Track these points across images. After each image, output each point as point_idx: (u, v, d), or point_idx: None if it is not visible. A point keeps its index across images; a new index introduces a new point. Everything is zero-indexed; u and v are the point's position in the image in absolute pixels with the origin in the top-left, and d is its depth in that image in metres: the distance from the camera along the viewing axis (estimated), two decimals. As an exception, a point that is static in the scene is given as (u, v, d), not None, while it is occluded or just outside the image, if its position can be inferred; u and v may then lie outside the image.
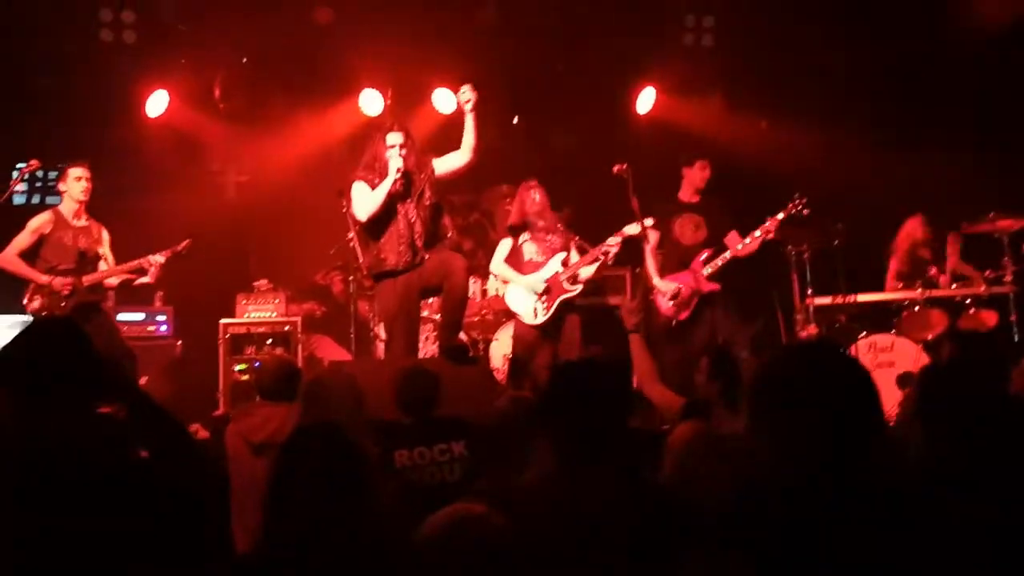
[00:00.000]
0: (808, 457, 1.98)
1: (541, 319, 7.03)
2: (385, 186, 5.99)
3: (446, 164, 6.18)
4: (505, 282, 7.36)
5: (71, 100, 8.33)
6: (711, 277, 7.06)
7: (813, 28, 8.45)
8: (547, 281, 7.03)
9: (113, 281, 6.88)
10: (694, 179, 7.25)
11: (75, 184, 6.71)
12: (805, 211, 7.01)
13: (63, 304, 6.48)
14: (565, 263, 7.09)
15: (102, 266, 6.80)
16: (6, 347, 2.48)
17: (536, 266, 7.12)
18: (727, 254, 7.06)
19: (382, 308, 6.48)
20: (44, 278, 6.54)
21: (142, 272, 6.81)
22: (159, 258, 6.72)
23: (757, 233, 7.04)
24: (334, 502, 2.26)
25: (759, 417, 2.09)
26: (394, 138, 6.07)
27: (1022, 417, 2.38)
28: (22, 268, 6.58)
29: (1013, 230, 7.44)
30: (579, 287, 7.06)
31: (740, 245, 7.07)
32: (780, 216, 7.02)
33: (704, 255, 7.09)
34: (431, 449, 4.10)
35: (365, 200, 6.07)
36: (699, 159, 7.27)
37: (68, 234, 6.69)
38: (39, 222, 6.68)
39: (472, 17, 8.63)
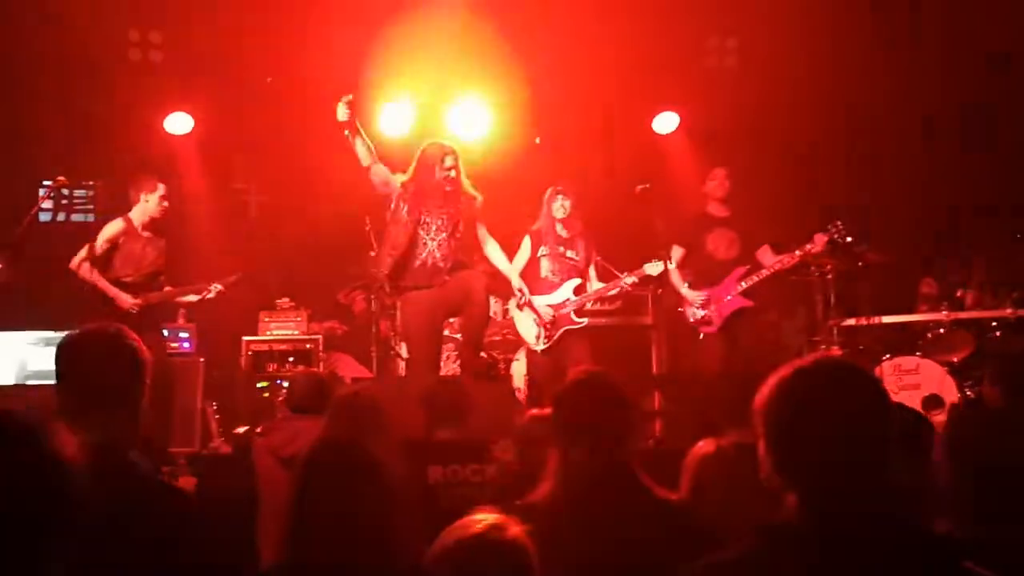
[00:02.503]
0: (822, 478, 1.94)
1: (542, 347, 6.95)
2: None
3: (491, 251, 6.52)
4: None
5: (96, 117, 8.40)
6: (744, 293, 6.94)
7: (840, 48, 8.40)
8: (554, 308, 6.91)
9: None
10: (715, 191, 7.13)
11: (159, 202, 6.74)
12: (849, 238, 6.90)
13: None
14: (577, 291, 6.97)
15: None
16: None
17: (551, 286, 6.97)
18: (763, 271, 6.96)
19: (406, 326, 6.48)
20: (113, 291, 6.50)
21: (196, 296, 7.00)
22: (217, 286, 6.91)
23: (797, 252, 6.93)
24: (357, 516, 2.25)
25: (772, 438, 2.05)
26: (450, 160, 6.16)
27: None
28: (98, 280, 6.50)
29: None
30: (585, 320, 6.97)
31: (776, 262, 6.96)
32: (824, 239, 6.87)
33: (739, 271, 6.96)
34: (464, 468, 4.06)
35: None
36: (713, 169, 7.18)
37: (138, 245, 6.71)
38: (114, 230, 6.66)
39: (499, 37, 8.64)
